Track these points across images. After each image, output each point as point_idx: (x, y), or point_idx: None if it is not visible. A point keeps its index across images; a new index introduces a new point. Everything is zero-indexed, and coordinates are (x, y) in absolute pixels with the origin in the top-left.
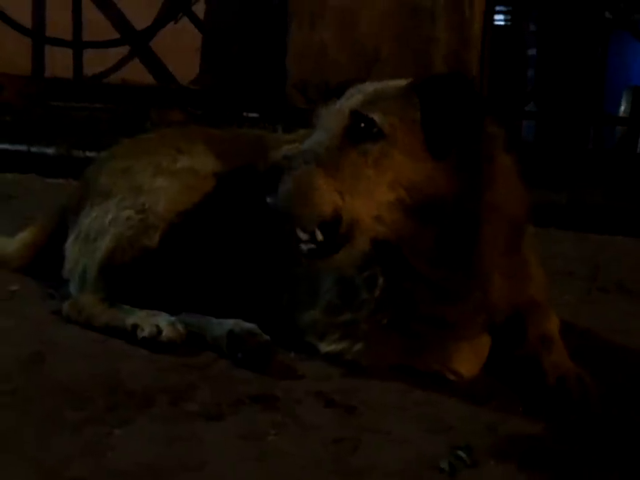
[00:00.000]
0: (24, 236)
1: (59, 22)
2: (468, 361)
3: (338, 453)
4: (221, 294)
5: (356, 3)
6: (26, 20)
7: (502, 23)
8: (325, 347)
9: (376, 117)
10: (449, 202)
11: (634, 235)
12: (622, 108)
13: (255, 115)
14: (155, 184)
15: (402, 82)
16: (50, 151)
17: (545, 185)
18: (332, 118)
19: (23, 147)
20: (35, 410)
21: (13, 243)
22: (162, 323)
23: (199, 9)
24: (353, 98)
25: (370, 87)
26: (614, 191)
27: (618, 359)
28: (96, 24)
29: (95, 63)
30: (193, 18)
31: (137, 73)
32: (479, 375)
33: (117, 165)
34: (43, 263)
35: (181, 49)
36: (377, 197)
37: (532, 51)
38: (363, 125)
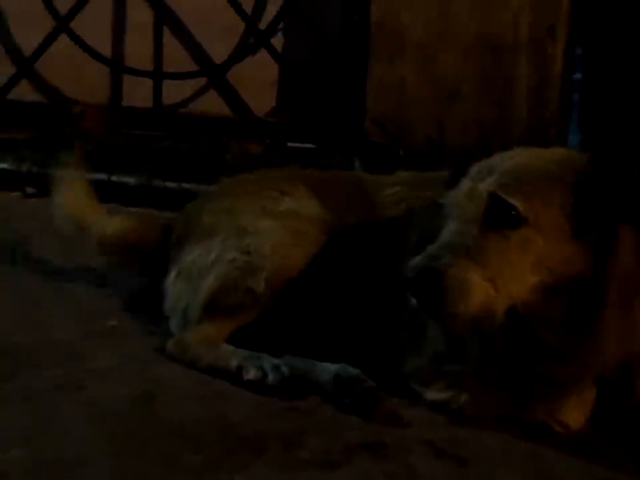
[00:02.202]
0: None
1: (137, 52)
2: (574, 412)
3: None
4: (324, 338)
5: (436, 38)
6: (106, 50)
7: None
8: (430, 395)
9: (516, 201)
10: (582, 276)
11: None
12: None
13: (332, 148)
14: (259, 226)
15: (541, 156)
16: (130, 180)
17: None
18: (468, 202)
19: (103, 176)
20: (154, 454)
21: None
22: (267, 365)
23: (277, 42)
24: (489, 179)
25: (502, 163)
26: None
27: None
28: (173, 56)
29: (171, 94)
30: (272, 50)
31: (213, 104)
32: (585, 429)
33: (220, 204)
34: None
35: (257, 81)
36: (521, 281)
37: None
38: (502, 209)
